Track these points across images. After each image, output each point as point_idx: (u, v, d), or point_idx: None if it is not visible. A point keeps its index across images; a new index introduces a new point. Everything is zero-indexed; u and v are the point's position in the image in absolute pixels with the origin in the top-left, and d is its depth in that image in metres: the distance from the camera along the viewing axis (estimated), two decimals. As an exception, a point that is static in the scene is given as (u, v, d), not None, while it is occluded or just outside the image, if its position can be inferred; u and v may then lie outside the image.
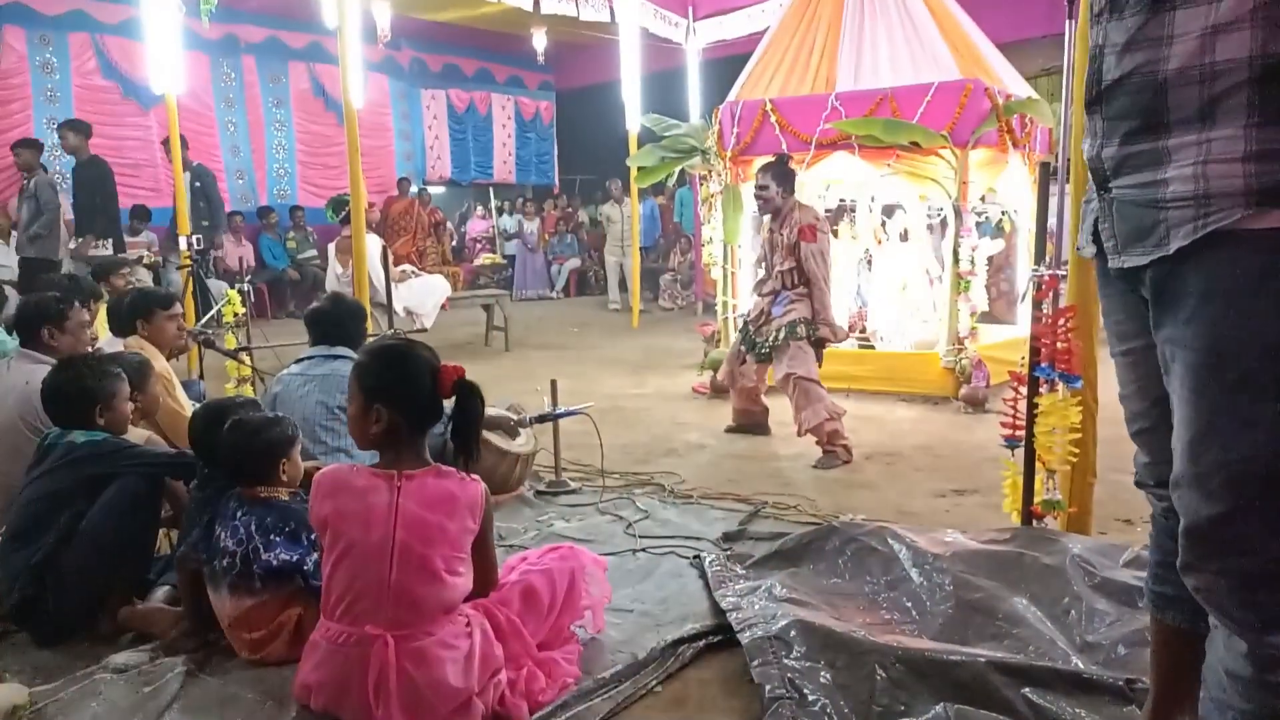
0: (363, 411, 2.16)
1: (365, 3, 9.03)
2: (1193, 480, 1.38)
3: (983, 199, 6.21)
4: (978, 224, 5.92)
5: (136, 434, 3.08)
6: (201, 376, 5.79)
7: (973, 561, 2.70)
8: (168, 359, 3.92)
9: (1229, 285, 1.31)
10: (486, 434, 3.90)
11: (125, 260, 7.28)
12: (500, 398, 5.37)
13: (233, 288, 6.23)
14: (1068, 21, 2.83)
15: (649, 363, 7.72)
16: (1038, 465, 2.97)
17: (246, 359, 5.22)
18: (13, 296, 5.53)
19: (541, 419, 4.24)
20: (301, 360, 3.61)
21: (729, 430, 5.08)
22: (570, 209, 14.53)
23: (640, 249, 10.59)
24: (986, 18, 7.04)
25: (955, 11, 6.45)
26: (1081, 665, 2.25)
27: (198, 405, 4.02)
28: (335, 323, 3.61)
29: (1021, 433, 2.99)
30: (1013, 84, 6.23)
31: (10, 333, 4.90)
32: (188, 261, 6.58)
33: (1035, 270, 2.92)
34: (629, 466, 4.49)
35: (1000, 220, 6.96)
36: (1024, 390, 2.98)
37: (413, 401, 2.17)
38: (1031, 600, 2.53)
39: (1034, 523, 3.01)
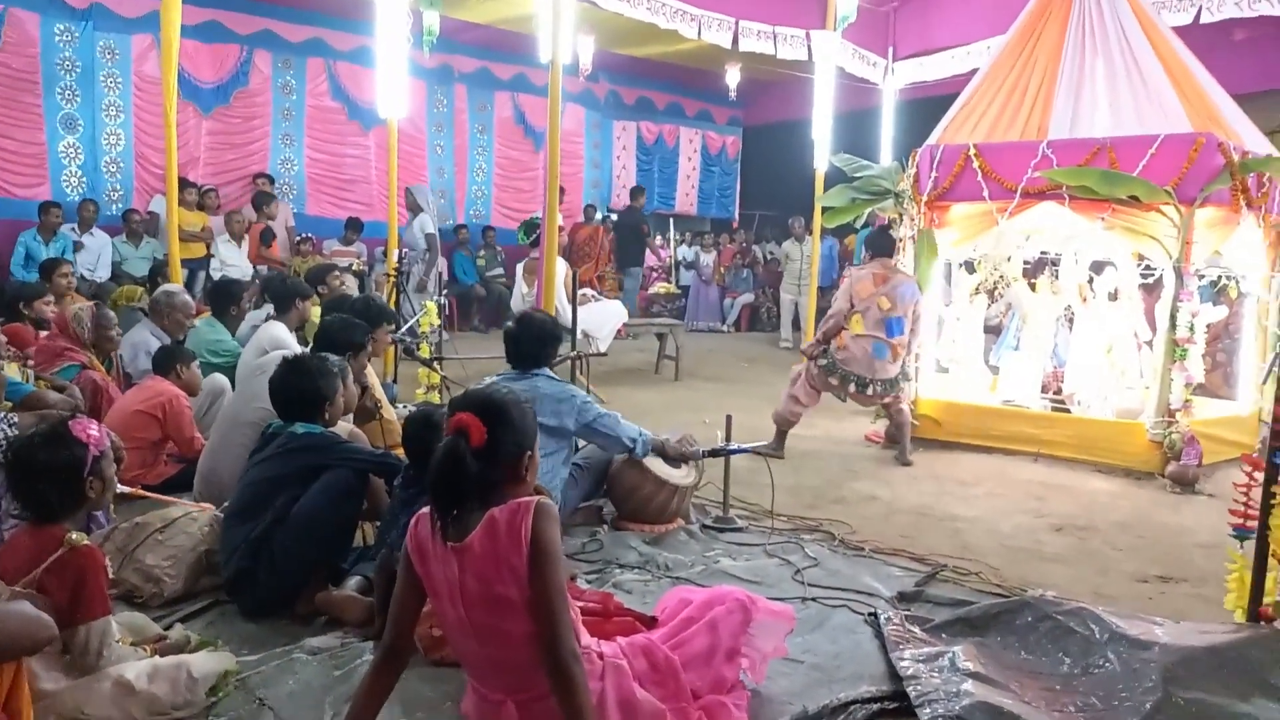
0: None
1: (573, 38, 9.44)
2: None
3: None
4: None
5: (342, 428, 3.30)
6: (395, 380, 6.18)
7: (1188, 657, 2.44)
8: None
9: None
10: (648, 462, 3.91)
11: (335, 266, 7.91)
12: (670, 427, 5.41)
13: (430, 300, 6.64)
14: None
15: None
16: (1270, 560, 2.67)
17: (438, 367, 5.52)
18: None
19: (714, 453, 4.23)
20: (501, 375, 3.79)
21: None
22: (748, 244, 14.54)
23: (817, 288, 10.44)
24: (1220, 66, 6.52)
25: (1187, 59, 5.99)
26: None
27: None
28: (535, 341, 3.74)
29: (1254, 523, 2.69)
30: (1250, 139, 5.72)
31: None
32: (393, 273, 7.04)
33: (1283, 345, 2.63)
34: (796, 510, 4.40)
35: (1223, 285, 6.37)
36: (1259, 476, 2.69)
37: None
38: (1260, 713, 2.26)
39: (1262, 624, 2.69)
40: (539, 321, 3.81)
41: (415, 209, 10.41)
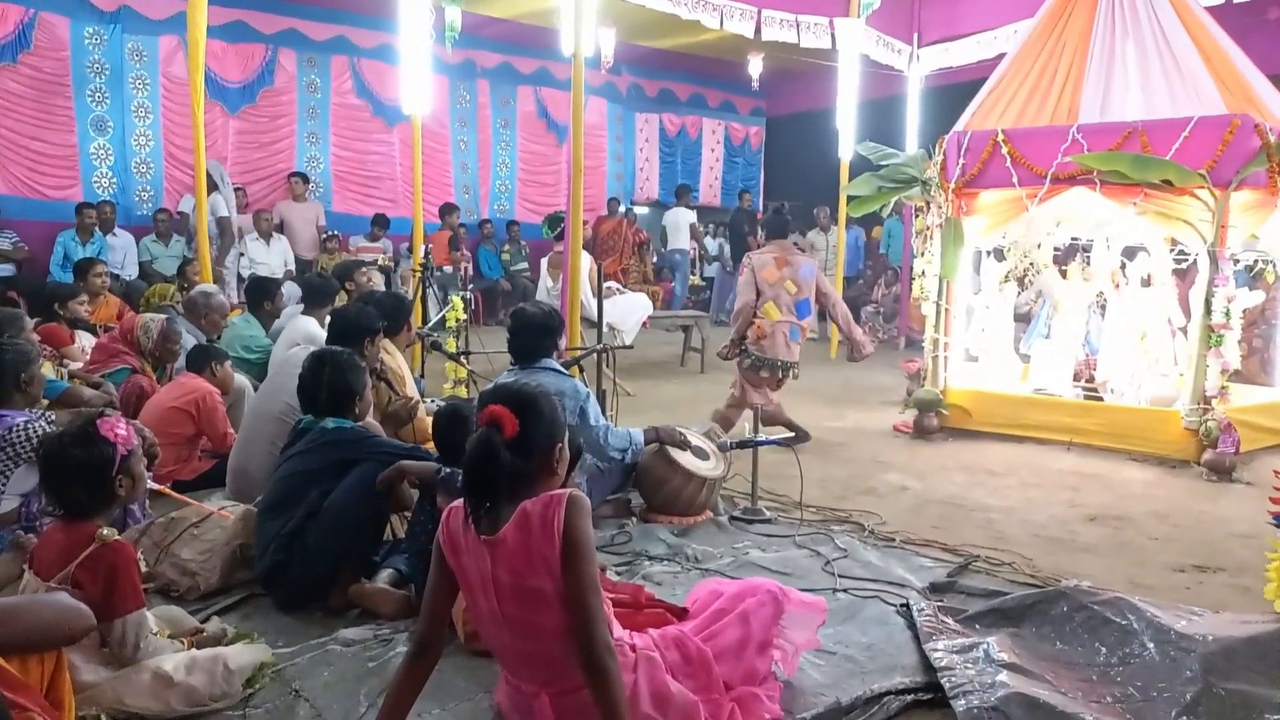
0: None
1: (594, 31, 9.41)
2: None
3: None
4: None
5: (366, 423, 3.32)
6: (422, 375, 6.22)
7: (1229, 648, 2.40)
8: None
9: None
10: (676, 455, 3.92)
11: (362, 262, 7.97)
12: (697, 420, 5.42)
13: (455, 295, 6.66)
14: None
15: (847, 396, 7.53)
16: (1313, 549, 2.62)
17: (465, 362, 5.55)
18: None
19: (742, 445, 4.22)
20: (512, 369, 3.79)
21: None
22: (772, 235, 14.47)
23: (843, 279, 10.36)
24: (1255, 47, 6.38)
25: (1221, 39, 5.87)
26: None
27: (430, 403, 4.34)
28: (532, 335, 3.74)
29: (1295, 511, 2.64)
30: (1287, 120, 5.59)
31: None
32: (419, 268, 7.08)
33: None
34: (825, 501, 4.37)
35: (1260, 269, 6.24)
36: (1301, 463, 2.63)
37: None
38: (1303, 703, 2.22)
39: (1304, 614, 2.65)
40: (532, 315, 3.79)
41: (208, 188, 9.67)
